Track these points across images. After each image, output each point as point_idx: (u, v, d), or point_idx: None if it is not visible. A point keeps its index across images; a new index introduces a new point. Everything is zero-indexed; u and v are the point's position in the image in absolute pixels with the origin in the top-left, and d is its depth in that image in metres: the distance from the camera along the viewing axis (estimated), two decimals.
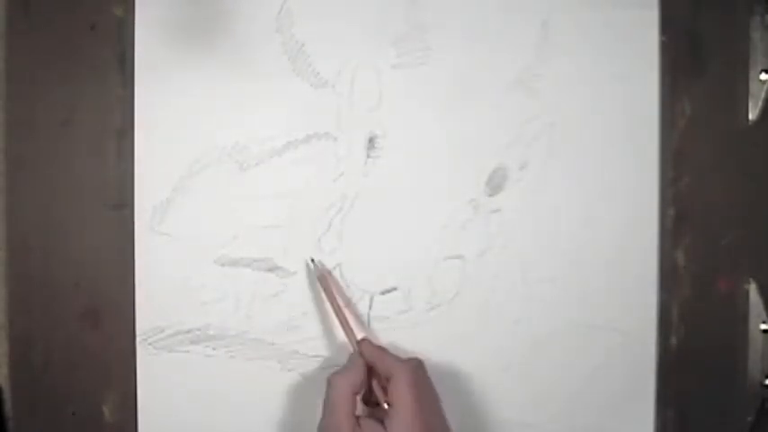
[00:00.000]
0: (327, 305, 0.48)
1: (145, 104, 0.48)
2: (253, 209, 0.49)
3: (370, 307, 0.50)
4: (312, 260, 0.49)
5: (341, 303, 0.48)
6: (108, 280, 0.49)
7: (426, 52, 0.51)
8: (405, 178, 0.51)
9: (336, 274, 0.50)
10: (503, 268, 0.51)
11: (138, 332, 0.49)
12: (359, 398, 0.45)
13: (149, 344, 0.49)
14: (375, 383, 0.45)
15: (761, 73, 0.53)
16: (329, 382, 0.44)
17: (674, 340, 0.53)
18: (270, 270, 0.50)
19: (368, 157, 0.50)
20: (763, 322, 0.53)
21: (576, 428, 0.52)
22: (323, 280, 0.48)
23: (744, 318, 0.53)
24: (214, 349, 0.49)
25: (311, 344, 0.50)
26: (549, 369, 0.52)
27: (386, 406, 0.43)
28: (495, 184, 0.51)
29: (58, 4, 0.48)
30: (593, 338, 0.52)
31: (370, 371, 0.46)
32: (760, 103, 0.53)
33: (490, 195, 0.51)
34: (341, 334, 0.49)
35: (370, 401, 0.47)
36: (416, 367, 0.45)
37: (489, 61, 0.51)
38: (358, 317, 0.50)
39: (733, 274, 0.53)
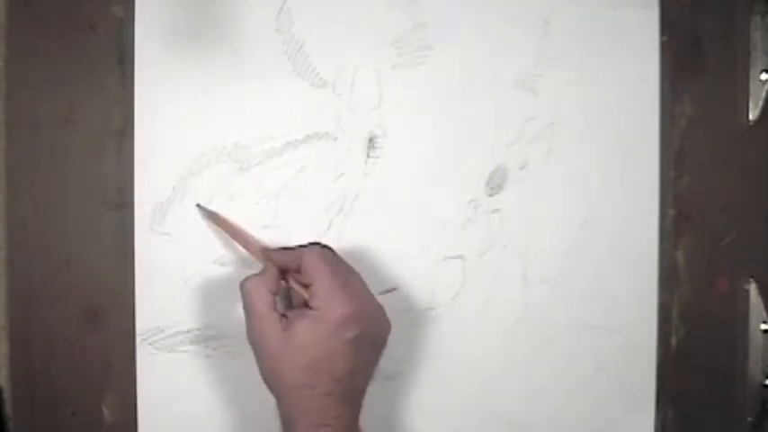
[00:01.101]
0: (228, 238, 0.48)
1: (145, 104, 0.48)
2: (253, 209, 0.49)
3: None
4: (198, 205, 0.49)
5: (236, 228, 0.48)
6: (108, 280, 0.49)
7: (426, 52, 0.50)
8: (405, 178, 0.51)
9: None
10: (503, 268, 0.51)
11: (138, 332, 0.49)
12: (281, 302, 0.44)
13: (149, 344, 0.49)
14: (291, 280, 0.45)
15: (761, 73, 0.53)
16: (241, 288, 0.43)
17: (674, 340, 0.53)
18: None
19: (368, 157, 0.50)
20: (764, 322, 0.53)
21: (575, 428, 0.52)
22: (213, 217, 0.48)
23: (744, 318, 0.53)
24: (214, 349, 0.49)
25: None
26: (548, 369, 0.52)
27: (307, 296, 0.43)
28: (495, 184, 0.51)
29: (57, 4, 0.48)
30: (593, 338, 0.52)
31: (285, 274, 0.45)
32: (760, 103, 0.53)
33: (490, 195, 0.51)
34: None
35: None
36: (323, 247, 0.45)
37: (489, 61, 0.51)
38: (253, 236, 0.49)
39: (733, 274, 0.53)
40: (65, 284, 0.49)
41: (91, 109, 0.49)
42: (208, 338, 0.49)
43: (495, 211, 0.51)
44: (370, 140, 0.50)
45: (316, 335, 0.41)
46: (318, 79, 0.50)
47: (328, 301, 0.41)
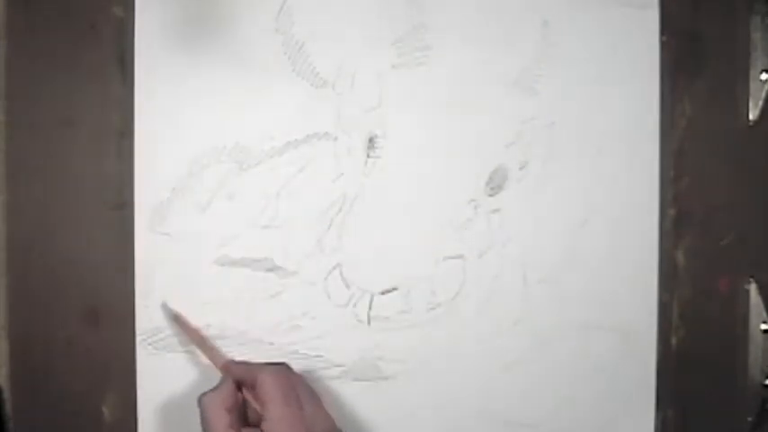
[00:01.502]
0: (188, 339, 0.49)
1: (145, 104, 0.48)
2: (253, 209, 0.49)
3: (370, 307, 0.50)
4: (163, 305, 0.49)
5: (201, 333, 0.48)
6: (108, 280, 0.49)
7: (426, 52, 0.50)
8: (405, 178, 0.51)
9: (336, 273, 0.50)
10: (503, 268, 0.51)
11: (138, 332, 0.49)
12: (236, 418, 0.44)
13: (149, 344, 0.49)
14: (248, 395, 0.45)
15: (761, 73, 0.53)
16: (199, 402, 0.44)
17: (674, 340, 0.53)
18: (270, 270, 0.50)
19: (368, 157, 0.50)
20: (764, 322, 0.53)
21: (575, 428, 0.52)
22: (177, 319, 0.48)
23: (744, 318, 0.53)
24: None
25: (311, 344, 0.50)
26: (548, 369, 0.52)
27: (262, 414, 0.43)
28: (495, 184, 0.51)
29: (57, 4, 0.48)
30: (593, 338, 0.52)
31: (241, 388, 0.45)
32: (760, 103, 0.53)
33: (490, 195, 0.51)
34: (340, 334, 0.49)
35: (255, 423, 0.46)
36: (281, 367, 0.45)
37: (489, 61, 0.51)
38: (215, 345, 0.49)
39: (733, 274, 0.53)
40: (65, 284, 0.49)
41: (91, 109, 0.49)
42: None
43: (495, 211, 0.51)
44: (370, 140, 0.50)
45: None
46: (318, 79, 0.50)
47: (278, 428, 0.42)
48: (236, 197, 0.49)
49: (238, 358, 0.49)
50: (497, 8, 0.51)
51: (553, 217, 0.52)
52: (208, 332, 0.49)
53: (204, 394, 0.44)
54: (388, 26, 0.50)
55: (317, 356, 0.50)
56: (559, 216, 0.52)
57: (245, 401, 0.45)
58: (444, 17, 0.50)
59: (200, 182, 0.49)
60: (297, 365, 0.50)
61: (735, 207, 0.53)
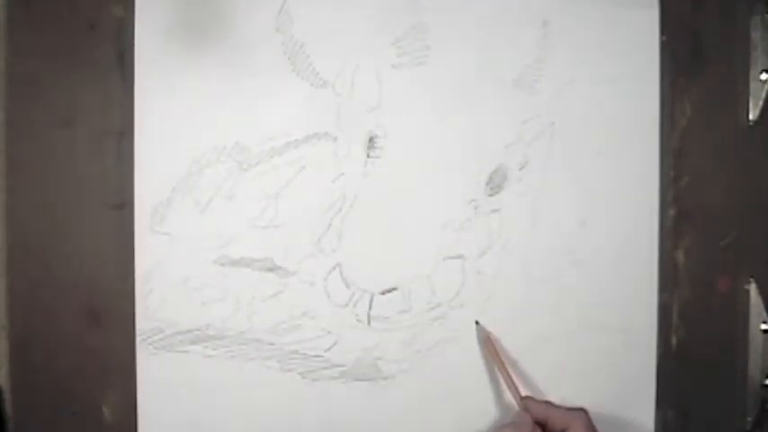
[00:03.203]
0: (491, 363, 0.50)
1: (145, 104, 0.48)
2: (253, 209, 0.49)
3: (370, 307, 0.50)
4: (477, 322, 0.50)
5: (505, 363, 0.49)
6: (108, 280, 0.49)
7: (426, 52, 0.50)
8: (405, 178, 0.51)
9: (336, 273, 0.50)
10: (503, 268, 0.51)
11: (138, 332, 0.49)
12: None
13: (149, 344, 0.49)
14: None
15: (761, 73, 0.53)
16: None
17: (674, 340, 0.53)
18: (270, 270, 0.50)
19: (368, 157, 0.50)
20: (764, 322, 0.53)
21: None
22: (487, 343, 0.50)
23: (744, 318, 0.53)
24: (214, 349, 0.49)
25: (311, 344, 0.50)
26: (548, 369, 0.52)
27: None
28: (495, 184, 0.51)
29: (57, 4, 0.48)
30: (594, 338, 0.52)
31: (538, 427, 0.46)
32: (760, 103, 0.53)
33: (490, 195, 0.51)
34: (339, 334, 0.49)
35: None
36: (588, 418, 0.46)
37: (489, 61, 0.51)
38: (520, 375, 0.51)
39: (733, 274, 0.53)
40: (65, 285, 0.49)
41: (91, 109, 0.49)
42: (208, 338, 0.49)
43: (495, 211, 0.51)
44: (370, 140, 0.50)
45: None
46: (318, 79, 0.50)
47: None
48: (236, 197, 0.49)
49: (238, 359, 0.49)
50: (497, 8, 0.51)
51: (553, 217, 0.52)
52: (207, 332, 0.49)
53: (503, 426, 0.46)
54: (388, 26, 0.50)
55: (317, 356, 0.50)
56: (559, 216, 0.52)
57: None
58: (444, 17, 0.50)
59: (200, 182, 0.49)
60: (297, 365, 0.50)
61: (735, 207, 0.53)
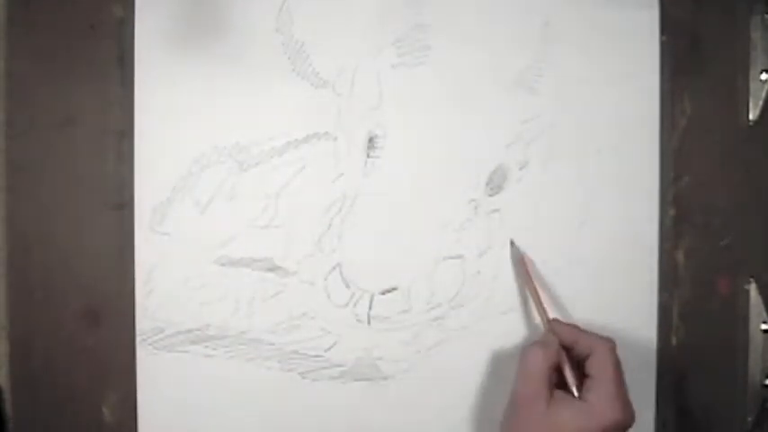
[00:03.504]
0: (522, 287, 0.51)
1: (145, 104, 0.48)
2: (253, 209, 0.49)
3: (370, 307, 0.50)
4: (512, 242, 0.51)
5: (536, 285, 0.50)
6: (108, 280, 0.49)
7: (426, 52, 0.50)
8: (405, 178, 0.51)
9: (336, 273, 0.50)
10: (503, 268, 0.51)
11: (138, 332, 0.49)
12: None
13: (149, 344, 0.49)
14: (566, 362, 0.46)
15: (761, 73, 0.53)
16: (526, 354, 0.45)
17: (674, 340, 0.53)
18: (270, 270, 0.50)
19: (368, 157, 0.50)
20: (764, 322, 0.53)
21: None
22: (519, 264, 0.50)
23: (744, 318, 0.53)
24: (214, 349, 0.49)
25: (311, 344, 0.50)
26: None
27: (573, 388, 0.44)
28: (495, 184, 0.51)
29: (57, 4, 0.48)
30: None
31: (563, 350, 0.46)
32: (760, 103, 0.53)
33: (490, 195, 0.51)
34: (339, 334, 0.49)
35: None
36: (614, 346, 0.45)
37: (489, 61, 0.51)
38: (553, 298, 0.51)
39: (733, 274, 0.53)
40: (65, 284, 0.49)
41: (91, 109, 0.49)
42: (208, 338, 0.49)
43: (495, 211, 0.51)
44: (370, 140, 0.50)
45: (579, 427, 0.42)
46: (318, 79, 0.50)
47: (605, 404, 0.43)
48: (236, 197, 0.49)
49: (238, 359, 0.49)
50: (497, 8, 0.51)
51: (553, 217, 0.52)
52: (207, 332, 0.49)
53: (531, 346, 0.45)
54: (388, 26, 0.50)
55: (317, 356, 0.50)
56: (559, 216, 0.52)
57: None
58: (444, 17, 0.50)
59: (200, 182, 0.49)
60: (297, 365, 0.50)
61: (735, 207, 0.53)
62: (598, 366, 0.44)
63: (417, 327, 0.51)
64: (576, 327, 0.47)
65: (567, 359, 0.46)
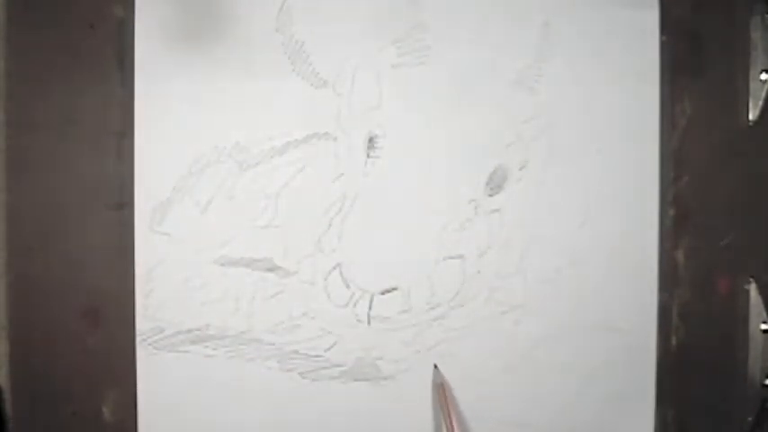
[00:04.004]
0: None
1: (145, 104, 0.48)
2: (253, 209, 0.49)
3: (370, 307, 0.50)
4: (435, 366, 0.50)
5: (452, 418, 0.48)
6: (108, 280, 0.49)
7: (426, 52, 0.50)
8: (405, 178, 0.51)
9: (336, 273, 0.50)
10: (503, 268, 0.51)
11: (138, 332, 0.49)
12: None
13: (149, 344, 0.49)
14: None
15: (761, 73, 0.53)
16: None
17: (674, 340, 0.53)
18: (270, 270, 0.50)
19: (368, 157, 0.50)
20: (764, 322, 0.53)
21: (576, 428, 0.52)
22: (440, 390, 0.49)
23: (744, 318, 0.53)
24: (214, 349, 0.49)
25: (311, 344, 0.50)
26: (549, 369, 0.52)
27: None
28: (495, 184, 0.51)
29: (57, 4, 0.48)
30: (594, 338, 0.52)
31: None
32: (760, 103, 0.53)
33: (490, 195, 0.51)
34: (339, 334, 0.49)
35: None
36: None
37: (490, 61, 0.51)
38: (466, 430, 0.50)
39: (733, 274, 0.53)
40: (65, 284, 0.49)
41: (91, 109, 0.49)
42: (208, 338, 0.49)
43: (495, 211, 0.51)
44: (370, 140, 0.50)
45: None
46: (318, 79, 0.50)
47: None
48: (236, 197, 0.49)
49: (238, 359, 0.49)
50: (497, 8, 0.51)
51: (553, 217, 0.52)
52: (207, 332, 0.49)
53: None
54: (388, 26, 0.50)
55: (317, 356, 0.50)
56: (559, 216, 0.52)
57: None
58: (444, 17, 0.50)
59: (200, 182, 0.49)
60: (297, 365, 0.50)
61: (735, 207, 0.53)
62: None
63: (417, 327, 0.51)
64: None
65: None
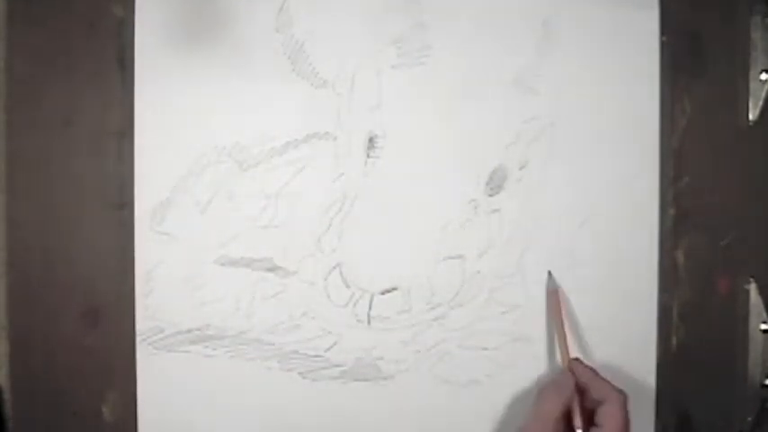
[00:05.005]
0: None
1: (145, 104, 0.48)
2: (253, 209, 0.49)
3: (370, 307, 0.50)
4: (549, 273, 0.51)
5: (563, 320, 0.50)
6: (108, 280, 0.49)
7: (426, 52, 0.50)
8: (405, 178, 0.51)
9: (336, 273, 0.50)
10: (503, 268, 0.51)
11: (138, 332, 0.49)
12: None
13: (149, 344, 0.49)
14: (577, 408, 0.46)
15: (761, 73, 0.53)
16: (542, 394, 0.46)
17: (674, 340, 0.53)
18: (270, 270, 0.50)
19: (368, 157, 0.50)
20: (764, 322, 0.53)
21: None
22: (552, 296, 0.50)
23: (744, 318, 0.53)
24: (214, 349, 0.49)
25: (311, 344, 0.50)
26: (548, 369, 0.52)
27: (578, 430, 0.45)
28: (495, 184, 0.51)
29: (57, 4, 0.48)
30: (594, 338, 0.52)
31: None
32: (760, 103, 0.53)
33: (490, 195, 0.51)
34: (339, 334, 0.49)
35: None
36: (627, 400, 0.46)
37: (489, 61, 0.51)
38: (578, 337, 0.51)
39: (733, 274, 0.53)
40: (65, 284, 0.49)
41: (91, 109, 0.49)
42: (208, 338, 0.49)
43: (495, 211, 0.51)
44: (370, 140, 0.50)
45: None
46: (318, 79, 0.50)
47: None
48: (236, 197, 0.49)
49: (238, 359, 0.49)
50: (497, 8, 0.51)
51: (553, 217, 0.52)
52: (207, 332, 0.49)
53: (547, 388, 0.46)
54: (388, 26, 0.50)
55: (317, 356, 0.50)
56: (559, 216, 0.52)
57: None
58: (444, 17, 0.50)
59: (200, 182, 0.49)
60: (297, 365, 0.50)
61: (735, 207, 0.53)
62: (607, 417, 0.44)
63: (417, 327, 0.51)
64: (593, 371, 0.48)
65: (578, 404, 0.46)
